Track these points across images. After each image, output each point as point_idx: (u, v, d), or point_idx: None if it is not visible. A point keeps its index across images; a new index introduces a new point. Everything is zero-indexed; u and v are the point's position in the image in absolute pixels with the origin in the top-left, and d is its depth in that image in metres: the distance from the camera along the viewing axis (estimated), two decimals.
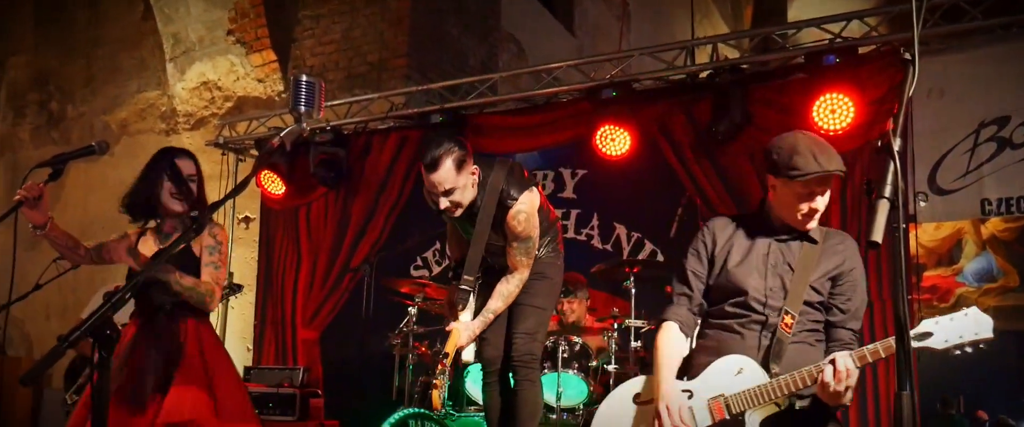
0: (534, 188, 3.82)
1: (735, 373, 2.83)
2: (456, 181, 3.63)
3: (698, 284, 3.04)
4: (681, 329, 3.02)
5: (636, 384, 3.07)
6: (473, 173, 3.72)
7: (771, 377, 2.77)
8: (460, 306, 3.86)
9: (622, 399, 3.07)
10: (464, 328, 3.80)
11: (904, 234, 1.99)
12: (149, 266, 2.49)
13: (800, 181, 2.77)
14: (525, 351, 3.84)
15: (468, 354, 3.97)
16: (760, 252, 2.96)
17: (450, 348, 3.80)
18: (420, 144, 6.50)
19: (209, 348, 3.43)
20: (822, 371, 2.67)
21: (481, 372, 4.09)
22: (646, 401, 2.99)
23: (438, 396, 3.80)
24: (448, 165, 3.59)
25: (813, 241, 2.95)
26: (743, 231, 3.03)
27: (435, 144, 3.66)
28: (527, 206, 3.75)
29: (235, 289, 5.01)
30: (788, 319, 2.85)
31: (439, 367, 3.79)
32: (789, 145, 2.81)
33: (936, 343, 2.62)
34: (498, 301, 3.83)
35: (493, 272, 3.96)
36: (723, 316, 2.98)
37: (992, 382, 5.13)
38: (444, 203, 3.68)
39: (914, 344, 2.59)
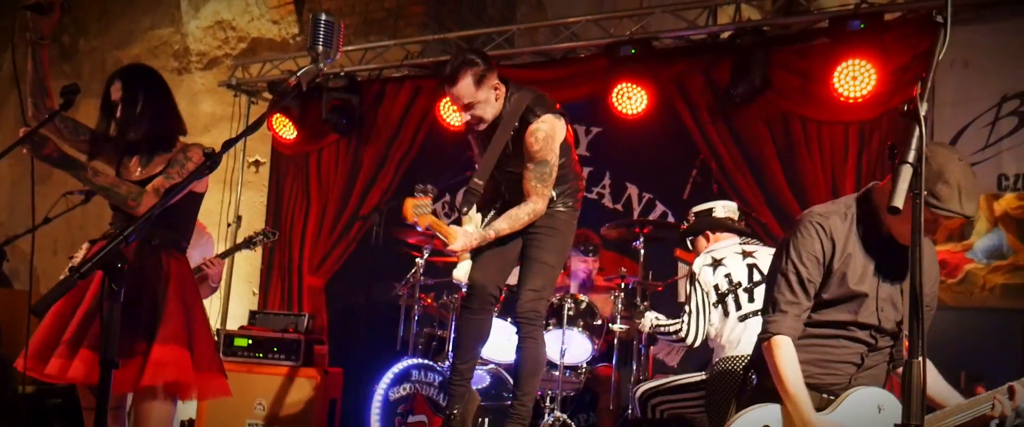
0: (562, 118, 3.74)
1: (876, 410, 2.64)
2: (475, 96, 3.63)
3: (811, 293, 2.73)
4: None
5: (763, 415, 2.68)
6: (495, 89, 3.68)
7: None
8: (465, 209, 3.80)
9: None
10: (462, 233, 3.71)
11: (923, 201, 1.96)
12: (164, 201, 2.45)
13: (931, 209, 2.54)
14: (530, 308, 3.80)
15: (461, 272, 3.86)
16: (872, 263, 2.72)
17: (441, 225, 3.69)
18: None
19: (189, 291, 3.31)
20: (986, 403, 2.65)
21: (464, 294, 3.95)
22: None
23: (411, 206, 3.67)
24: (467, 80, 3.59)
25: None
26: (855, 233, 2.75)
27: (457, 57, 3.66)
28: (548, 126, 3.66)
29: (268, 236, 4.89)
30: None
31: (424, 199, 3.69)
32: (940, 165, 2.51)
33: None
34: (504, 222, 3.74)
35: (513, 205, 3.83)
36: (824, 327, 2.77)
37: (996, 360, 5.09)
38: (465, 117, 3.70)
39: None
